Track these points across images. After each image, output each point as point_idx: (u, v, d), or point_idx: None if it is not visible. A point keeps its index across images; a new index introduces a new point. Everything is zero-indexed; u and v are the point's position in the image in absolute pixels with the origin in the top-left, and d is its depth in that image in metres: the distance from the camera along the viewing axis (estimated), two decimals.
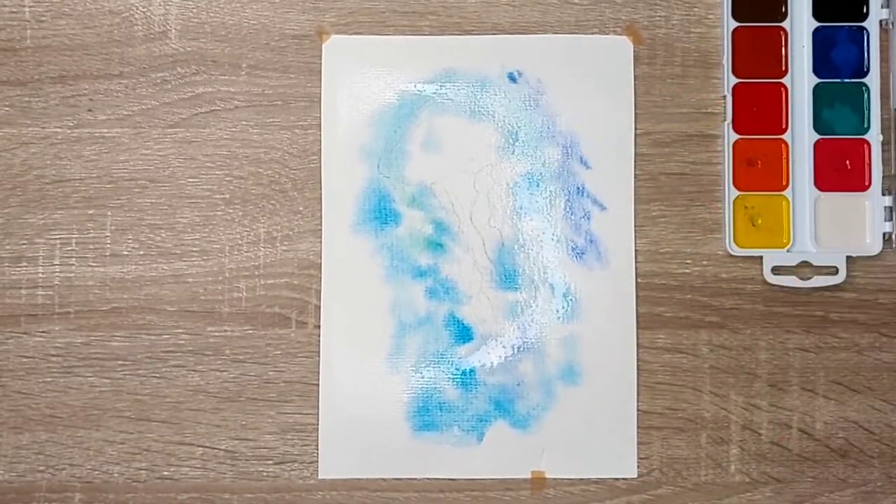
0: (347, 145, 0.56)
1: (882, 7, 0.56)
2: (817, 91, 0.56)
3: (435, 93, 0.56)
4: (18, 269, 0.55)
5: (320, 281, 0.55)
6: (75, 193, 0.56)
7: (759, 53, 0.56)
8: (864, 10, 0.56)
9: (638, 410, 0.55)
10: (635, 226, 0.55)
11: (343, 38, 0.56)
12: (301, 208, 0.56)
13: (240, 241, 0.56)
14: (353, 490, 0.55)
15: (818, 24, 0.56)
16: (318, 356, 0.55)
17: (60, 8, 0.56)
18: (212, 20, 0.56)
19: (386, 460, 0.55)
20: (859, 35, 0.56)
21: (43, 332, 0.55)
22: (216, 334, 0.55)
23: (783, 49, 0.56)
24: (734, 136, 0.55)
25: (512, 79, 0.56)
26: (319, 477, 0.55)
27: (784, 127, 0.56)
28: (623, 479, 0.55)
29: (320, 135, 0.56)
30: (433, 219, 0.55)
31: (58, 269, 0.55)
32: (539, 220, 0.56)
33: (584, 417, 0.55)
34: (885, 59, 0.56)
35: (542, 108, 0.56)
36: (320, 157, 0.56)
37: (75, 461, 0.55)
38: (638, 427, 0.55)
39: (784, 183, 0.55)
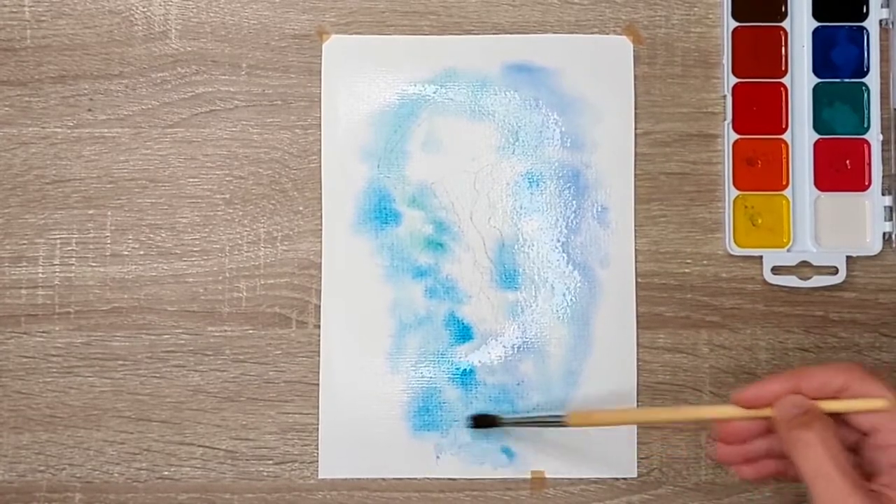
0: (347, 145, 0.56)
1: (882, 7, 0.56)
2: (817, 91, 0.56)
3: (435, 93, 0.56)
4: (18, 269, 0.55)
5: (320, 281, 0.55)
6: (75, 193, 0.56)
7: (759, 53, 0.56)
8: (864, 10, 0.56)
9: None
10: (635, 225, 0.55)
11: (343, 38, 0.56)
12: (301, 208, 0.56)
13: (240, 241, 0.56)
14: (353, 490, 0.55)
15: (818, 24, 0.56)
16: (318, 356, 0.55)
17: (60, 8, 0.56)
18: (212, 20, 0.56)
19: (386, 460, 0.55)
20: (859, 35, 0.56)
21: (43, 332, 0.55)
22: (216, 334, 0.55)
23: (783, 49, 0.56)
24: (734, 136, 0.55)
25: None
26: (319, 477, 0.55)
27: (784, 127, 0.56)
28: (623, 478, 0.55)
29: (320, 135, 0.56)
30: (433, 218, 0.55)
31: (58, 269, 0.55)
32: (539, 220, 0.56)
33: None
34: (885, 59, 0.56)
35: (541, 108, 0.56)
36: (320, 157, 0.56)
37: (75, 461, 0.55)
38: (638, 427, 0.55)
39: (784, 183, 0.55)
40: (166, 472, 0.55)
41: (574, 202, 0.56)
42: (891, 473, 0.42)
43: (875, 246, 0.55)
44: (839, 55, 0.56)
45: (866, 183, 0.55)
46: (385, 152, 0.56)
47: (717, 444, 0.47)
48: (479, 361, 0.55)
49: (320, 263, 0.55)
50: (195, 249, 0.56)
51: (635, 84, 0.56)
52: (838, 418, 0.44)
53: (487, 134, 0.56)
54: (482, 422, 0.53)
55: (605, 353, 0.55)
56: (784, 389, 0.44)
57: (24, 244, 0.56)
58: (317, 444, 0.55)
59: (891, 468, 0.42)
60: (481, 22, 0.56)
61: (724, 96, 0.55)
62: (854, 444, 0.44)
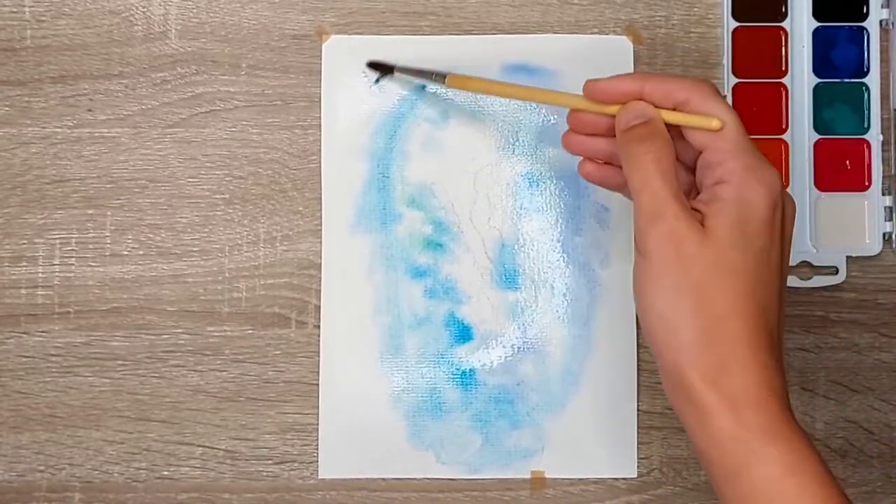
0: (347, 145, 0.56)
1: (882, 7, 0.56)
2: (817, 91, 0.56)
3: (435, 92, 0.56)
4: (18, 269, 0.55)
5: (320, 281, 0.55)
6: (75, 193, 0.56)
7: (759, 53, 0.56)
8: (864, 10, 0.56)
9: (638, 410, 0.55)
10: None
11: (343, 38, 0.56)
12: (301, 208, 0.56)
13: (240, 241, 0.56)
14: (353, 490, 0.55)
15: (818, 24, 0.56)
16: (318, 356, 0.55)
17: (60, 8, 0.56)
18: (212, 20, 0.56)
19: (386, 460, 0.55)
20: (859, 35, 0.56)
21: (43, 332, 0.55)
22: (216, 334, 0.55)
23: (783, 49, 0.56)
24: None
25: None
26: (319, 477, 0.55)
27: (784, 127, 0.56)
28: (623, 479, 0.55)
29: (320, 135, 0.56)
30: (433, 219, 0.55)
31: (58, 269, 0.55)
32: (539, 220, 0.56)
33: (584, 417, 0.55)
34: (885, 59, 0.56)
35: (541, 108, 0.56)
36: (320, 158, 0.56)
37: (75, 461, 0.55)
38: (638, 427, 0.55)
39: (784, 183, 0.55)
40: (166, 472, 0.55)
41: (574, 202, 0.56)
42: (709, 190, 0.43)
43: (875, 246, 0.55)
44: (839, 55, 0.56)
45: (866, 183, 0.55)
46: (384, 152, 0.56)
47: (567, 133, 0.47)
48: (480, 362, 0.55)
49: (320, 263, 0.55)
50: (195, 249, 0.56)
51: None
52: (678, 133, 0.44)
53: (487, 134, 0.56)
54: (379, 67, 0.55)
55: (605, 354, 0.55)
56: (632, 89, 0.45)
57: (24, 244, 0.56)
58: (317, 444, 0.55)
59: (710, 185, 0.43)
60: (481, 22, 0.56)
61: (724, 97, 0.55)
62: (693, 162, 0.45)
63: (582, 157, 0.48)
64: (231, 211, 0.56)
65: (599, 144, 0.47)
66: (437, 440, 0.55)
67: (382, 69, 0.55)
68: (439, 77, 0.53)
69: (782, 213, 0.43)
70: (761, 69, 0.56)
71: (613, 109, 0.45)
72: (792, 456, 0.40)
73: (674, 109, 0.44)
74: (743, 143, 0.43)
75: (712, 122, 0.43)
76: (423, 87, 0.56)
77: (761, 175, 0.42)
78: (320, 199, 0.56)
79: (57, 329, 0.55)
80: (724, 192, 0.42)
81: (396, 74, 0.55)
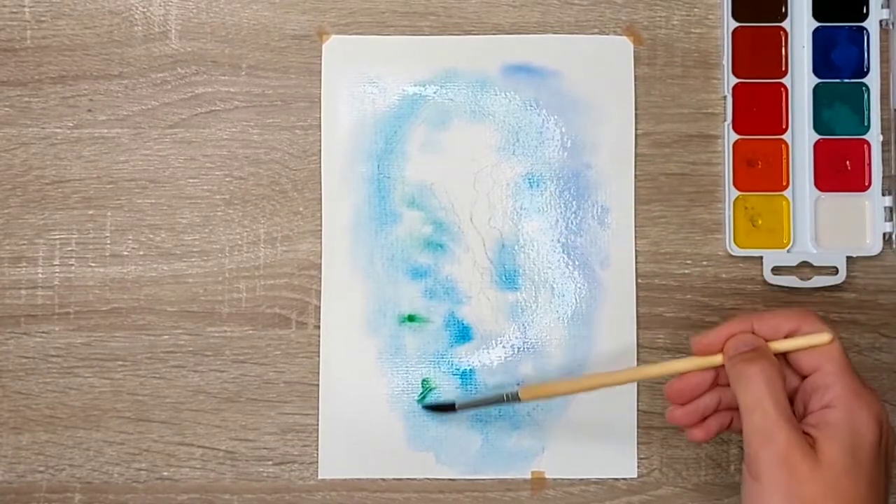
0: (347, 146, 0.56)
1: (882, 7, 0.56)
2: (817, 91, 0.56)
3: (435, 93, 0.56)
4: (18, 269, 0.55)
5: (320, 281, 0.55)
6: (75, 193, 0.56)
7: (759, 53, 0.56)
8: (864, 10, 0.56)
9: (638, 410, 0.55)
10: (635, 226, 0.55)
11: (343, 38, 0.56)
12: (301, 208, 0.56)
13: (240, 242, 0.56)
14: (353, 490, 0.55)
15: (818, 24, 0.56)
16: (318, 357, 0.55)
17: (60, 8, 0.56)
18: (212, 20, 0.56)
19: (386, 460, 0.55)
20: (859, 35, 0.56)
21: (43, 332, 0.55)
22: (216, 335, 0.55)
23: (783, 49, 0.56)
24: (734, 137, 0.55)
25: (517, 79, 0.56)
26: (319, 477, 0.55)
27: (784, 127, 0.56)
28: (623, 479, 0.55)
29: (320, 135, 0.56)
30: (433, 219, 0.55)
31: (58, 270, 0.55)
32: (539, 221, 0.56)
33: (584, 418, 0.55)
34: (885, 59, 0.56)
35: (541, 109, 0.56)
36: (320, 158, 0.56)
37: (75, 461, 0.55)
38: (638, 427, 0.55)
39: (784, 183, 0.55)
40: (166, 473, 0.55)
41: (574, 203, 0.56)
42: (817, 414, 0.44)
43: (875, 246, 0.55)
44: (839, 55, 0.56)
45: (866, 183, 0.55)
46: (385, 153, 0.56)
47: (671, 410, 0.48)
48: (479, 362, 0.55)
49: (320, 264, 0.55)
50: (195, 250, 0.56)
51: (635, 85, 0.56)
52: (784, 362, 0.45)
53: (487, 134, 0.56)
54: (439, 409, 0.54)
55: (605, 354, 0.55)
56: (739, 332, 0.46)
57: (24, 244, 0.56)
58: (317, 445, 0.55)
59: (818, 409, 0.44)
60: (481, 22, 0.56)
61: (725, 97, 0.55)
62: (792, 391, 0.46)
63: (688, 427, 0.48)
64: (231, 211, 0.56)
65: (704, 401, 0.47)
66: (437, 440, 0.55)
67: (443, 409, 0.54)
68: (512, 396, 0.51)
69: (887, 435, 0.43)
70: (761, 69, 0.56)
71: (718, 359, 0.46)
72: None
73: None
74: (848, 366, 0.44)
75: (823, 336, 0.44)
76: (424, 87, 0.56)
77: (867, 399, 0.43)
78: (320, 199, 0.56)
79: (57, 329, 0.55)
80: (834, 417, 0.43)
81: (459, 410, 0.54)
